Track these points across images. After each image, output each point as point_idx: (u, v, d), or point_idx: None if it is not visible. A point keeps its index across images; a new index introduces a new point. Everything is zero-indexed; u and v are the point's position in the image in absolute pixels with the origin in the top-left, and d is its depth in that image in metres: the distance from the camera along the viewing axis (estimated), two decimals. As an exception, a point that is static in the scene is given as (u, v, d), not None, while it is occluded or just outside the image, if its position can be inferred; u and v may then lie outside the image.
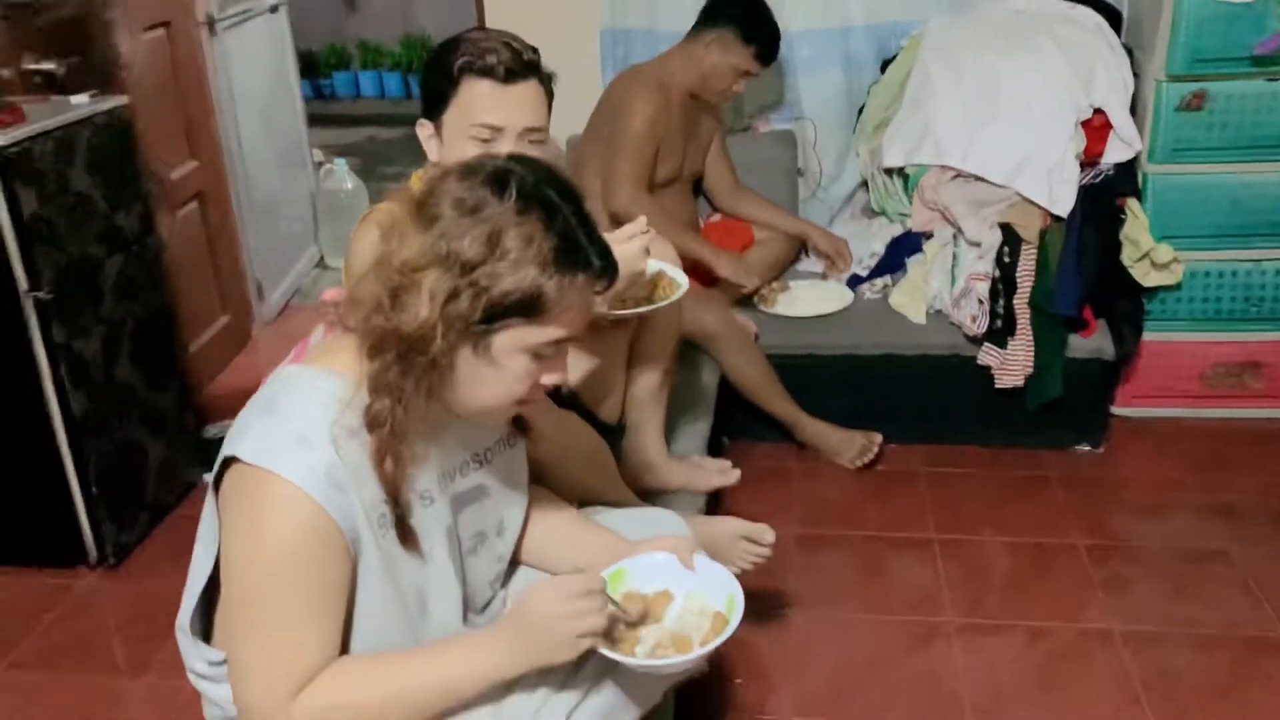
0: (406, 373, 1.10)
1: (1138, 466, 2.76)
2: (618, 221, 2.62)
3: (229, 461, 1.11)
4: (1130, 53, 2.81)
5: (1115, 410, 2.93)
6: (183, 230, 3.25)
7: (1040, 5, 2.87)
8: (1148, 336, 2.83)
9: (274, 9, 4.10)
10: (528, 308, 1.10)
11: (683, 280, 1.83)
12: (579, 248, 1.13)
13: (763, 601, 2.26)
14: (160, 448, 2.59)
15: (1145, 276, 2.71)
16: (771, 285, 2.90)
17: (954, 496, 2.64)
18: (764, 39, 2.73)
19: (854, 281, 2.91)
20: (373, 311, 1.10)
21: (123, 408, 2.46)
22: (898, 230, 2.92)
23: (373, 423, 1.11)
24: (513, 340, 1.12)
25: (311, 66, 6.83)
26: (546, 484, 1.61)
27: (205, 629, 1.25)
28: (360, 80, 6.97)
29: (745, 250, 2.92)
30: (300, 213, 4.27)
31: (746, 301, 2.86)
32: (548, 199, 1.12)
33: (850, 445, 2.72)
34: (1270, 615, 2.18)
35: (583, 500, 1.66)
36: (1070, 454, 2.79)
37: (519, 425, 1.37)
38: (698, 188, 3.01)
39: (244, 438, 1.11)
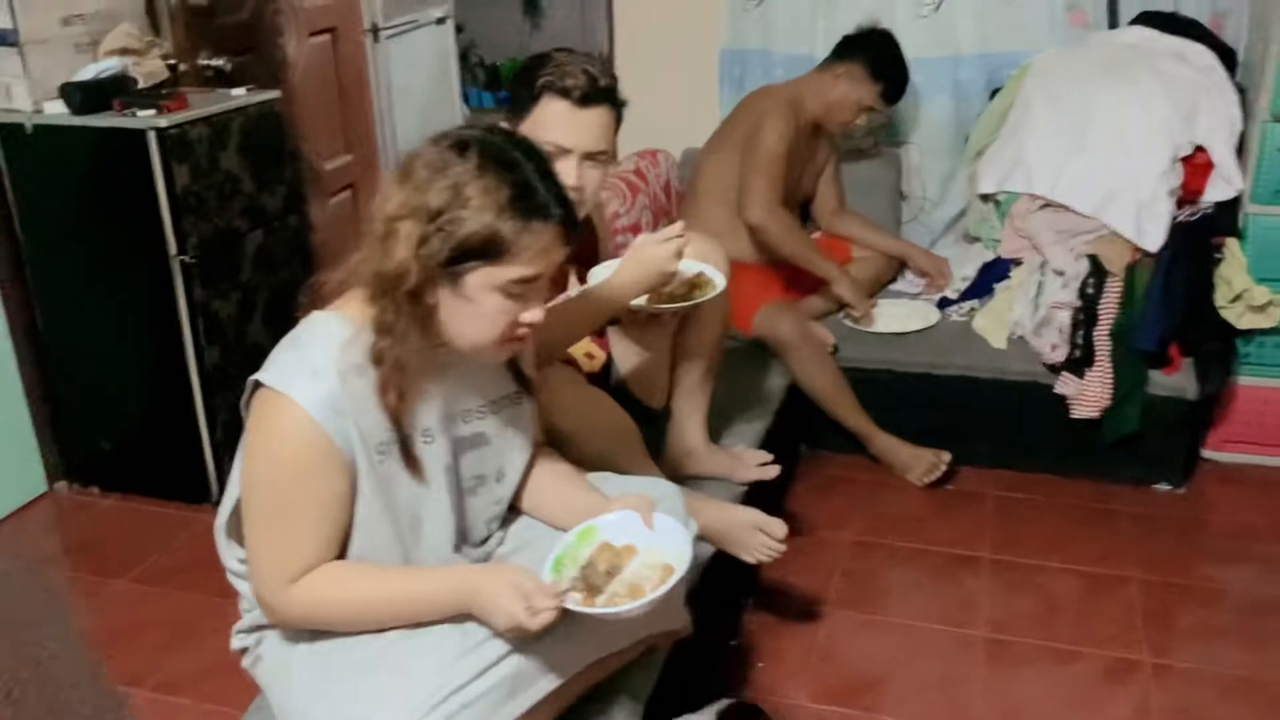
0: (398, 312, 1.30)
1: (1216, 510, 2.71)
2: (754, 232, 2.79)
3: (256, 386, 1.33)
4: (1244, 92, 2.77)
5: (1206, 453, 2.88)
6: (333, 215, 3.59)
7: (1152, 41, 2.86)
8: (1243, 381, 2.78)
9: (440, 20, 4.43)
10: (489, 249, 1.27)
11: (720, 281, 1.97)
12: (535, 196, 1.29)
13: (801, 596, 2.37)
14: (282, 405, 2.90)
15: (1239, 318, 2.66)
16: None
17: (1016, 520, 2.66)
18: (892, 78, 2.86)
19: (943, 304, 2.97)
20: (366, 260, 1.31)
21: (251, 364, 2.75)
22: (990, 256, 2.96)
23: (376, 358, 1.31)
24: (481, 279, 1.29)
25: (495, 79, 7.25)
26: (570, 454, 1.78)
27: (239, 532, 1.47)
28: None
29: (843, 267, 3.02)
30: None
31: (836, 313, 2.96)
32: (507, 157, 1.30)
33: (919, 462, 2.78)
34: (1311, 665, 2.14)
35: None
36: (1148, 491, 2.76)
37: (525, 385, 1.54)
38: (804, 211, 3.14)
39: (270, 367, 1.33)
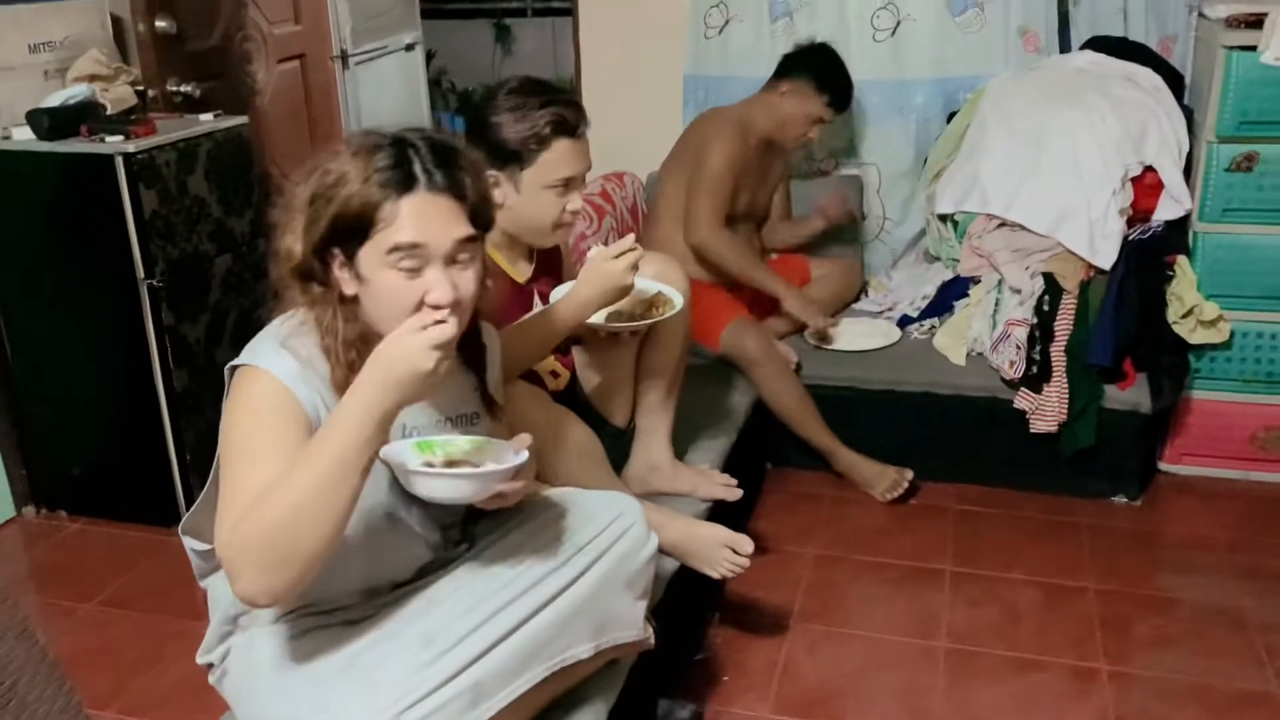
0: (322, 304, 1.37)
1: (1173, 522, 2.77)
2: (698, 254, 2.84)
3: (232, 372, 1.37)
4: (1190, 114, 2.85)
5: (1163, 466, 2.95)
6: (302, 240, 3.61)
7: (1102, 65, 2.94)
8: (1197, 395, 2.85)
9: (410, 47, 4.48)
10: (362, 221, 1.32)
11: (678, 301, 2.02)
12: (403, 166, 1.33)
13: (766, 609, 2.40)
14: (252, 428, 2.91)
15: (1191, 333, 2.73)
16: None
17: (977, 533, 2.71)
18: (837, 88, 2.92)
19: (904, 322, 3.03)
20: (276, 267, 1.39)
21: (221, 388, 2.78)
22: (949, 274, 3.02)
23: (326, 353, 1.36)
24: (369, 255, 1.33)
25: (467, 104, 7.31)
26: (537, 470, 1.81)
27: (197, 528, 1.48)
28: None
29: (803, 287, 3.07)
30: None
31: (798, 332, 3.01)
32: (396, 139, 1.35)
33: (882, 479, 2.82)
34: (1267, 671, 2.19)
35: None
36: (1105, 504, 2.82)
37: (489, 407, 1.57)
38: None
39: (242, 354, 1.38)
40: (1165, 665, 2.22)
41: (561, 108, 1.89)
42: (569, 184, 1.91)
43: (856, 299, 3.21)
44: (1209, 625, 2.35)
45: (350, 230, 1.33)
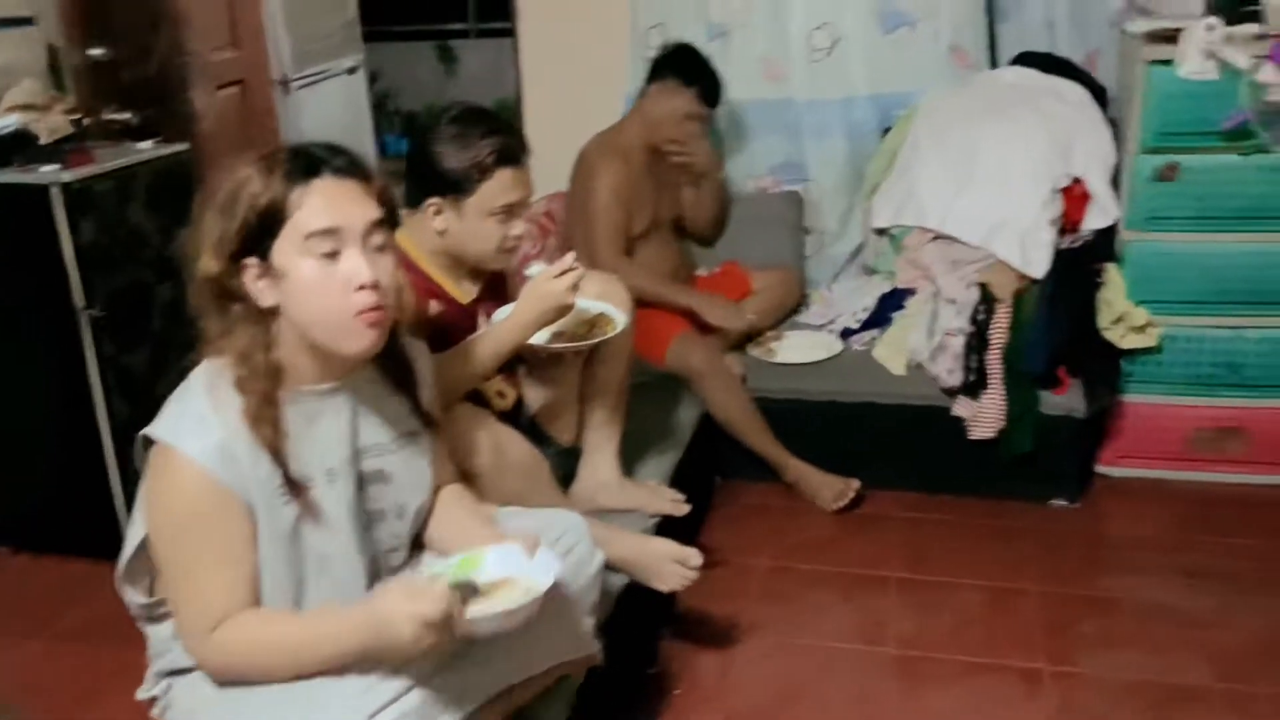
0: (243, 329, 1.35)
1: (1111, 523, 2.83)
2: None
3: (148, 441, 1.35)
4: (1116, 126, 2.94)
5: (1101, 469, 3.02)
6: (245, 266, 3.59)
7: (1030, 80, 3.02)
8: (1131, 398, 2.93)
9: (352, 70, 4.48)
10: (271, 216, 1.32)
11: (620, 320, 2.04)
12: (301, 156, 1.35)
13: (717, 622, 2.42)
14: (197, 456, 2.89)
15: (1121, 339, 2.81)
16: (767, 335, 3.08)
17: (922, 540, 2.76)
18: (703, 80, 2.93)
19: (845, 333, 3.08)
20: (193, 293, 1.37)
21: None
22: (887, 287, 3.08)
23: (239, 386, 1.34)
24: (284, 248, 1.33)
25: (413, 128, 7.30)
26: (481, 492, 1.83)
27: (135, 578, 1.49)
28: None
29: (743, 299, 3.11)
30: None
31: (742, 346, 3.05)
32: (291, 147, 1.37)
33: (830, 488, 2.86)
34: (1204, 666, 2.25)
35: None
36: (1045, 507, 2.88)
37: (425, 421, 1.58)
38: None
39: (159, 421, 1.36)
40: (1107, 664, 2.27)
41: (503, 137, 1.91)
42: (511, 211, 1.93)
43: (798, 311, 3.26)
44: (1148, 623, 2.41)
45: (262, 228, 1.32)
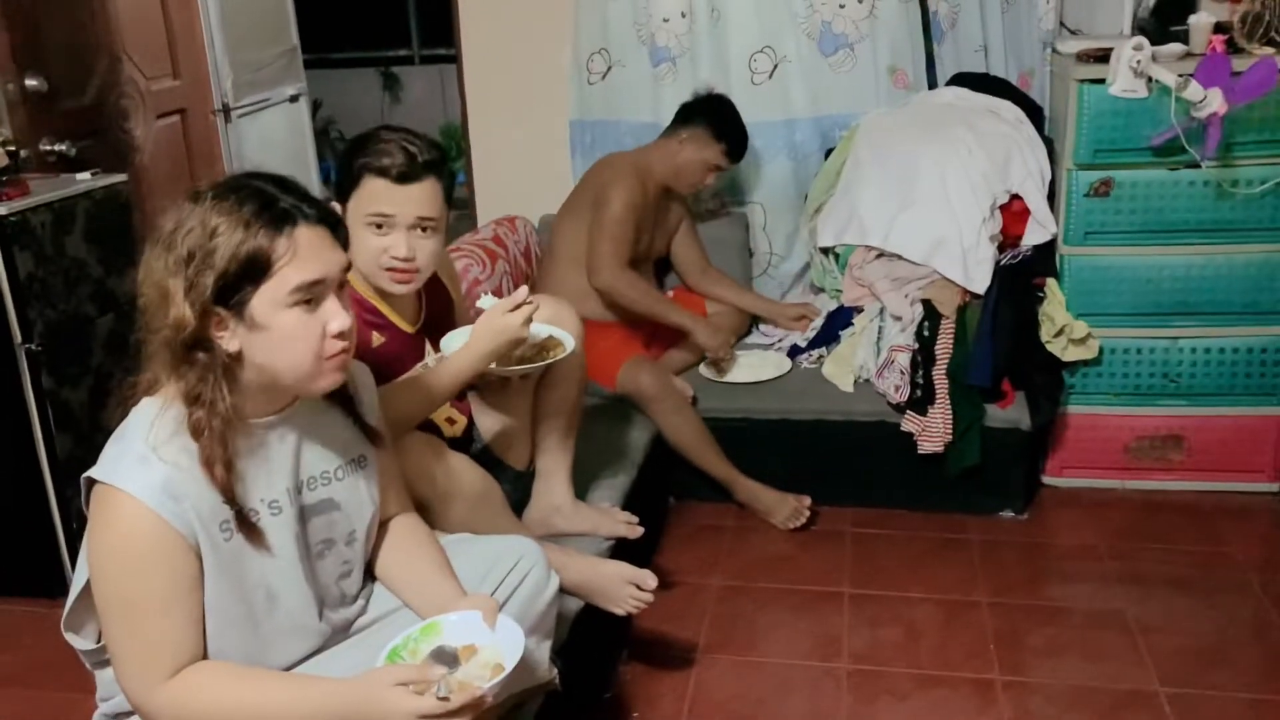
0: (203, 378, 1.31)
1: (1057, 533, 2.88)
2: (604, 295, 2.89)
3: (90, 483, 1.33)
4: (1051, 143, 3.01)
5: (1046, 480, 3.07)
6: (188, 297, 3.54)
7: (966, 99, 3.09)
8: (1073, 409, 2.98)
9: (294, 99, 4.45)
10: (253, 267, 1.29)
11: (570, 343, 2.05)
12: (277, 204, 1.31)
13: (674, 643, 2.43)
14: (141, 491, 2.84)
15: (1063, 351, 2.87)
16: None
17: (874, 555, 2.78)
18: (733, 136, 3.01)
19: (793, 352, 3.11)
20: (151, 336, 1.33)
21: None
22: (834, 305, 3.12)
23: (194, 432, 1.32)
24: (265, 301, 1.31)
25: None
26: (433, 519, 1.82)
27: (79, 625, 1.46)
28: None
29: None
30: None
31: (691, 367, 3.07)
32: (238, 184, 1.33)
33: (783, 506, 2.88)
34: (1149, 670, 2.29)
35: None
36: (994, 519, 2.92)
37: (371, 437, 1.57)
38: (660, 269, 3.26)
39: (101, 463, 1.33)
40: (1057, 672, 2.31)
41: (385, 149, 1.82)
42: (383, 224, 1.84)
43: (748, 332, 3.29)
44: (1096, 631, 2.45)
45: (241, 280, 1.29)
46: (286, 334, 1.32)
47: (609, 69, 3.37)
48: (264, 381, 1.37)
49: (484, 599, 1.50)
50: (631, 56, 3.33)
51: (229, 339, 1.33)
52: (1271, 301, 2.80)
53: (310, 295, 1.33)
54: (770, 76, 3.26)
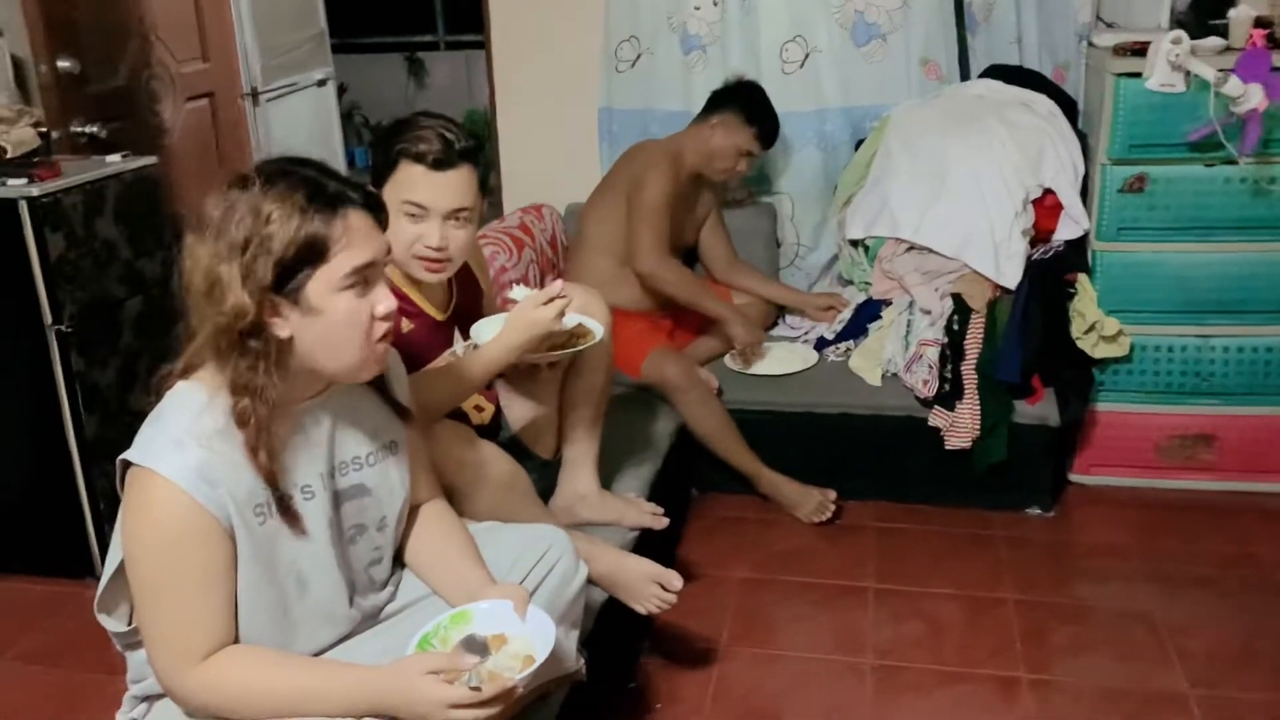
0: (254, 365, 1.31)
1: (1085, 531, 2.86)
2: (646, 281, 2.90)
3: (125, 466, 1.33)
4: (1084, 138, 2.98)
5: (1074, 477, 3.04)
6: (215, 280, 3.56)
7: (998, 92, 3.05)
8: (1103, 407, 2.95)
9: (321, 83, 4.46)
10: (311, 252, 1.29)
11: (599, 331, 2.04)
12: (327, 189, 1.32)
13: (696, 636, 2.42)
14: (168, 473, 2.85)
15: (1094, 348, 2.84)
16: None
17: (899, 550, 2.76)
18: (765, 121, 3.00)
19: (820, 344, 3.09)
20: (202, 323, 1.32)
21: (134, 433, 2.72)
22: (862, 298, 3.10)
23: (240, 420, 1.32)
24: (320, 285, 1.31)
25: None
26: (462, 506, 1.82)
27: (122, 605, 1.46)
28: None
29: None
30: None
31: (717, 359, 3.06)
32: (287, 170, 1.33)
33: (807, 500, 2.86)
34: (1177, 671, 2.27)
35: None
36: (1020, 516, 2.90)
37: (402, 414, 1.56)
38: (686, 259, 3.24)
39: (136, 445, 1.33)
40: (1083, 671, 2.29)
41: (422, 135, 1.82)
42: (418, 213, 1.84)
43: (775, 324, 3.27)
44: (1122, 630, 2.43)
45: (299, 264, 1.29)
46: (340, 319, 1.33)
47: (639, 57, 3.35)
48: (310, 367, 1.37)
49: (515, 588, 1.51)
50: (662, 44, 3.31)
51: (282, 325, 1.33)
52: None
53: (363, 278, 1.34)
54: (801, 66, 3.23)
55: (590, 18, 3.39)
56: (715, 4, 3.24)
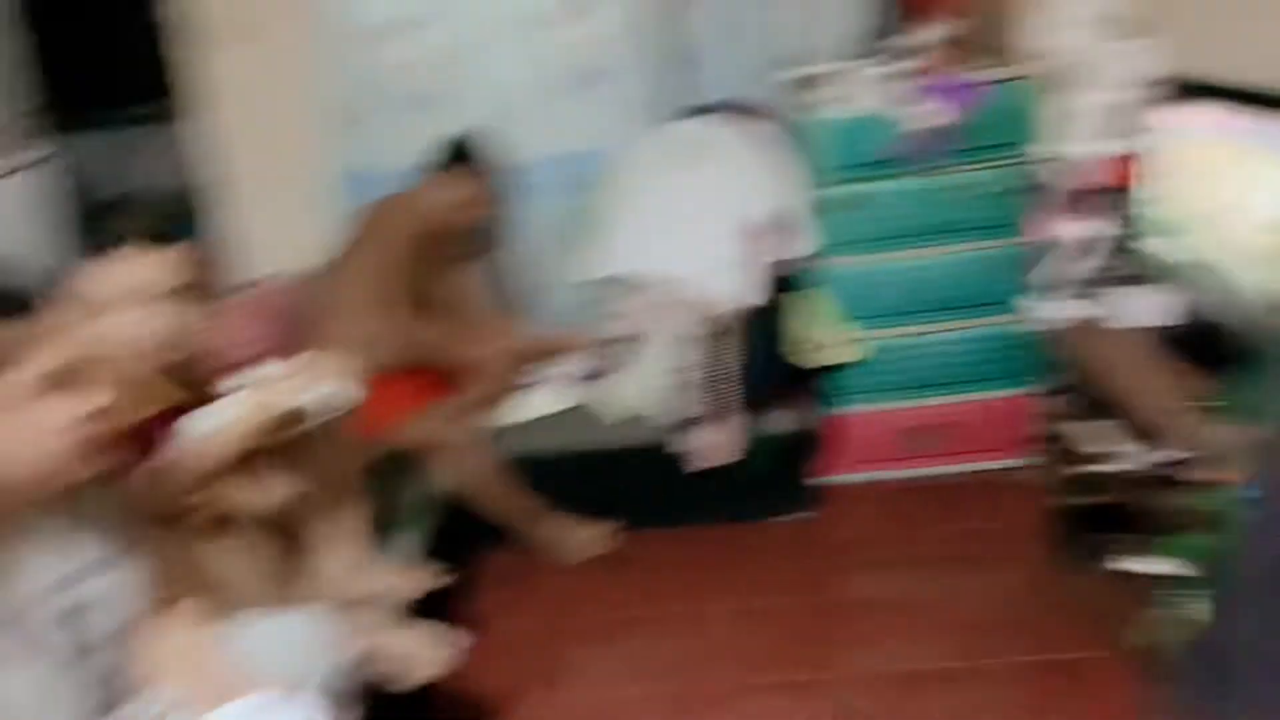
0: None
1: (843, 527, 3.01)
2: (393, 341, 2.84)
3: None
4: (799, 164, 3.17)
5: (832, 478, 3.19)
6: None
7: (716, 127, 3.20)
8: (848, 408, 3.14)
9: (27, 168, 4.11)
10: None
11: (345, 399, 1.97)
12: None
13: (491, 692, 2.36)
14: None
15: (824, 357, 3.03)
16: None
17: (675, 573, 2.82)
18: (492, 173, 3.05)
19: (573, 383, 3.14)
20: None
21: None
22: (607, 335, 3.16)
23: None
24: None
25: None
26: (220, 600, 1.71)
27: None
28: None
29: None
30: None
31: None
32: None
33: (583, 537, 2.88)
34: (948, 648, 2.41)
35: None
36: (784, 522, 3.02)
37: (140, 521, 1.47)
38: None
39: None
40: (866, 662, 2.41)
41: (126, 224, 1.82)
42: (134, 298, 1.80)
43: (528, 369, 3.27)
44: (893, 616, 2.57)
45: None
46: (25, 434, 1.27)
47: (361, 118, 3.31)
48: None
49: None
50: (376, 101, 3.30)
51: None
52: (1001, 293, 3.00)
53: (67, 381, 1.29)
54: (526, 113, 3.29)
55: (306, 78, 3.32)
56: (433, 60, 3.25)
